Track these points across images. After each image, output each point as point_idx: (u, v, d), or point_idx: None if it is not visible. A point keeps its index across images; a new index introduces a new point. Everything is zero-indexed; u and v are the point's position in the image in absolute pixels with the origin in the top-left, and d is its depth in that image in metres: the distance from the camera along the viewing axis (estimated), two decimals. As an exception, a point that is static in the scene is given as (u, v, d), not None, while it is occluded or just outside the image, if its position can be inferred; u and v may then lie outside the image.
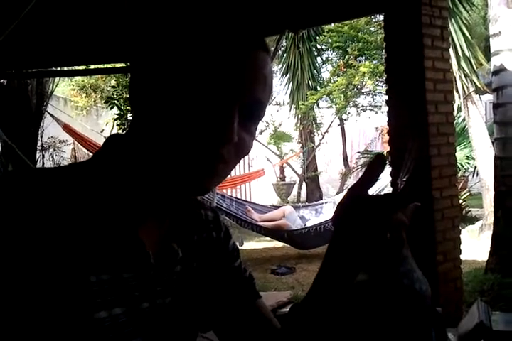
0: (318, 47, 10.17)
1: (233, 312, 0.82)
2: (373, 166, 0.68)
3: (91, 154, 5.40)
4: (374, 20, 8.98)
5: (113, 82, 7.31)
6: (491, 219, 5.97)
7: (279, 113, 10.54)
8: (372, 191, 5.45)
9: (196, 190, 0.66)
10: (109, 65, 6.53)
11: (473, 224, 7.59)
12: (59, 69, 6.11)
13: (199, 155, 0.63)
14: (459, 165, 7.23)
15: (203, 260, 0.78)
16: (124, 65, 5.66)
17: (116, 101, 6.10)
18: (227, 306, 0.82)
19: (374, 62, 8.56)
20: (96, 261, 0.62)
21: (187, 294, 0.74)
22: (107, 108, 6.19)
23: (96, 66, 6.37)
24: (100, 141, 7.23)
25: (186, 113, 0.63)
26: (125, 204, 0.66)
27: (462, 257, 3.73)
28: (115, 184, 0.67)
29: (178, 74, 0.63)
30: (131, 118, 5.31)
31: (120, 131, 6.33)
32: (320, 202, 7.58)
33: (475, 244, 6.34)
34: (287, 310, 1.02)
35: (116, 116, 6.14)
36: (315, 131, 10.37)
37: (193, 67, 0.62)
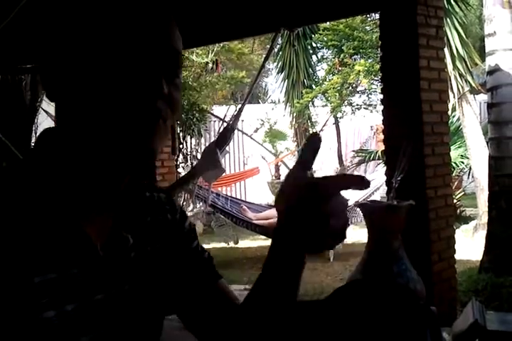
0: (314, 45, 10.16)
1: (195, 293, 0.81)
2: (310, 145, 0.65)
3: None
4: (370, 18, 8.98)
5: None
6: (485, 218, 5.99)
7: (274, 111, 10.54)
8: (368, 191, 5.41)
9: (143, 152, 0.65)
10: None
11: (468, 223, 7.62)
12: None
13: (137, 115, 0.63)
14: (454, 165, 7.25)
15: (159, 243, 0.77)
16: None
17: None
18: (189, 288, 0.81)
19: (369, 60, 8.56)
20: (41, 261, 0.60)
21: (146, 279, 0.73)
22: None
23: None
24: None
25: (113, 77, 0.62)
26: (65, 198, 0.65)
27: (456, 257, 3.74)
28: (53, 178, 0.65)
29: (98, 38, 0.63)
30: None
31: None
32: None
33: (469, 244, 6.35)
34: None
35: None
36: (310, 129, 10.37)
37: (110, 28, 0.63)
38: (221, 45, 7.90)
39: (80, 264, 0.64)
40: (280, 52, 10.19)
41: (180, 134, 6.30)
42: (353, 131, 12.17)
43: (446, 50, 4.64)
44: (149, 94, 0.64)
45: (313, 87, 9.67)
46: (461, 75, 6.92)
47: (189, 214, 6.79)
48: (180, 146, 6.23)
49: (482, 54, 6.63)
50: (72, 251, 0.64)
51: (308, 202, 0.61)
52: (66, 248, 0.63)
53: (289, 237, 0.66)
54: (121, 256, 0.70)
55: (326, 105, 9.84)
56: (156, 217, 0.78)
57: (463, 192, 8.55)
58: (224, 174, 5.58)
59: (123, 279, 0.69)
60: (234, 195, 8.87)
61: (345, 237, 0.62)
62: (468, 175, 8.36)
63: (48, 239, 0.62)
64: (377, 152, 8.68)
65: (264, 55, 12.23)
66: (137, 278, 0.72)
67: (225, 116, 9.27)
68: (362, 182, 0.59)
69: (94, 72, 0.63)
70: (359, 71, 8.21)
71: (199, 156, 6.80)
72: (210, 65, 7.87)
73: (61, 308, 0.61)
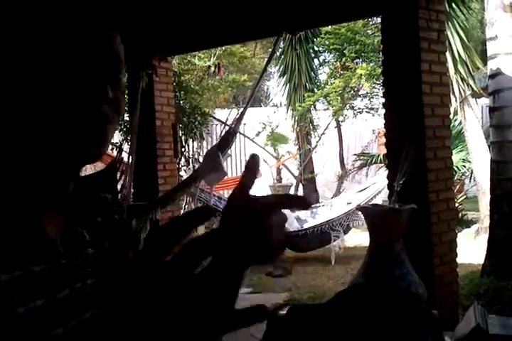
0: (316, 49, 10.17)
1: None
2: (250, 166, 0.67)
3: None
4: (371, 22, 8.99)
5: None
6: (486, 222, 5.98)
7: (275, 114, 10.54)
8: (370, 193, 5.39)
9: (91, 156, 0.68)
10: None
11: (469, 227, 7.61)
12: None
13: (84, 121, 0.65)
14: (455, 169, 7.25)
15: (110, 242, 0.79)
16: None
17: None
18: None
19: (371, 64, 8.57)
20: (5, 259, 0.62)
21: (109, 272, 0.75)
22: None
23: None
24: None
25: (58, 83, 0.64)
26: (20, 197, 0.67)
27: (458, 260, 3.73)
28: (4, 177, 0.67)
29: (41, 44, 0.64)
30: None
31: (117, 131, 6.32)
32: (317, 204, 7.57)
33: (471, 248, 6.35)
34: (284, 312, 1.02)
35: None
36: (312, 132, 10.37)
37: (52, 34, 0.64)
38: (223, 48, 7.92)
39: (43, 260, 0.66)
40: (282, 56, 10.20)
41: (183, 137, 6.30)
42: (355, 135, 12.16)
43: (447, 53, 4.65)
44: (94, 99, 0.65)
45: (315, 90, 9.67)
46: (462, 79, 6.92)
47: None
48: (182, 149, 6.23)
49: (484, 58, 6.64)
50: (34, 248, 0.65)
51: (248, 220, 0.62)
52: (28, 245, 0.64)
53: (231, 253, 0.66)
54: (79, 251, 0.72)
55: (327, 109, 9.84)
56: (105, 217, 0.81)
57: (465, 196, 8.54)
58: (226, 177, 5.58)
59: (85, 273, 0.71)
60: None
61: (283, 250, 0.63)
62: (470, 178, 8.36)
63: (10, 237, 0.63)
64: (378, 155, 8.68)
65: (266, 59, 12.24)
66: (101, 271, 0.74)
67: (227, 119, 9.28)
68: (303, 204, 0.60)
69: (38, 78, 0.64)
70: (361, 75, 8.22)
71: (201, 159, 6.81)
72: (212, 69, 7.88)
73: (31, 304, 0.62)
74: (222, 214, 0.66)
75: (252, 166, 0.66)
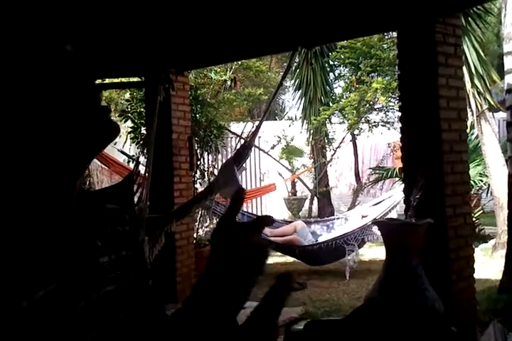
0: (331, 63, 10.20)
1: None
2: (234, 200, 0.79)
3: (104, 166, 5.35)
4: (387, 36, 9.02)
5: (127, 96, 7.38)
6: (504, 237, 5.91)
7: (291, 128, 10.57)
8: (385, 207, 5.35)
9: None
10: (124, 79, 6.60)
11: (487, 242, 7.51)
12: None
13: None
14: (472, 183, 7.18)
15: (121, 252, 0.81)
16: (139, 79, 5.72)
17: (130, 115, 6.15)
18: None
19: (387, 78, 8.57)
20: (39, 273, 0.64)
21: (131, 279, 0.78)
22: (121, 121, 6.23)
23: (111, 80, 6.45)
24: (113, 153, 7.29)
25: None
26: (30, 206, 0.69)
27: (475, 276, 3.69)
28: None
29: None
30: (145, 132, 5.29)
31: (134, 144, 6.37)
32: (331, 217, 7.54)
33: (488, 263, 6.26)
34: (299, 326, 1.02)
35: (130, 130, 6.19)
36: (327, 146, 10.37)
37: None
38: (239, 62, 7.97)
39: (60, 274, 0.67)
40: (297, 70, 10.25)
41: (198, 151, 6.34)
42: (370, 148, 12.14)
43: (464, 68, 4.64)
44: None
45: (331, 104, 9.69)
46: (479, 93, 6.89)
47: (206, 229, 6.80)
48: (198, 162, 6.27)
49: (500, 71, 6.61)
50: (55, 260, 0.67)
51: (232, 242, 0.76)
52: (52, 257, 0.66)
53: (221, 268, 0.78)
54: (93, 259, 0.73)
55: (343, 122, 9.84)
56: (114, 227, 0.83)
57: (482, 211, 8.45)
58: (241, 190, 5.58)
59: (107, 280, 0.73)
60: (251, 211, 8.87)
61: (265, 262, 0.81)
62: (487, 193, 8.27)
63: (42, 250, 0.65)
64: (394, 169, 8.64)
65: (281, 73, 12.29)
66: (123, 277, 0.76)
67: (242, 132, 9.32)
68: (268, 222, 0.78)
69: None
70: (376, 88, 8.22)
71: (216, 172, 6.83)
72: (229, 83, 7.93)
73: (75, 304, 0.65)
74: (212, 236, 0.78)
75: (237, 199, 0.79)
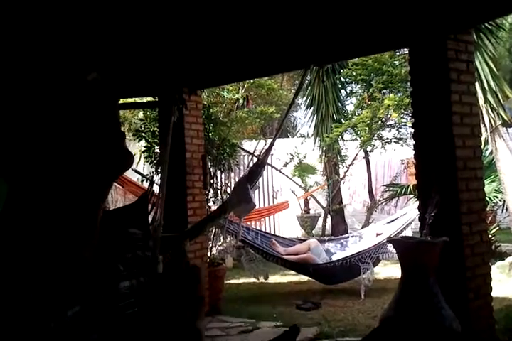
0: (343, 80, 10.24)
1: None
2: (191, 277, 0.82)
3: (118, 185, 5.36)
4: (398, 53, 9.05)
5: (141, 115, 7.45)
6: (521, 254, 5.83)
7: (303, 145, 10.58)
8: (400, 224, 5.29)
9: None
10: (137, 99, 6.68)
11: (503, 259, 7.40)
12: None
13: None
14: (487, 199, 7.11)
15: (141, 277, 0.82)
16: (152, 99, 5.77)
17: (144, 134, 6.20)
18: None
19: (399, 94, 8.57)
20: (67, 294, 0.65)
21: (150, 304, 0.78)
22: (134, 140, 6.28)
23: (125, 100, 6.52)
24: (127, 172, 7.32)
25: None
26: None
27: (492, 294, 3.63)
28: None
29: None
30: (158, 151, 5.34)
31: (147, 163, 6.41)
32: (345, 235, 7.48)
33: (505, 281, 6.17)
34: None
35: (144, 149, 6.23)
36: (339, 163, 10.35)
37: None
38: (251, 81, 8.03)
39: (84, 296, 0.68)
40: (309, 87, 10.29)
41: (211, 169, 6.36)
42: (383, 165, 12.09)
43: (476, 83, 4.63)
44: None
45: (343, 121, 9.69)
46: (492, 109, 6.87)
47: (219, 248, 6.78)
48: (211, 181, 6.28)
49: (513, 87, 6.59)
50: (80, 282, 0.68)
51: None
52: (77, 279, 0.67)
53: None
54: (114, 283, 0.74)
55: (355, 139, 9.83)
56: (133, 252, 0.83)
57: (497, 227, 8.35)
58: (254, 208, 5.58)
59: (128, 304, 0.74)
60: (264, 229, 8.84)
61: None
62: (502, 209, 8.18)
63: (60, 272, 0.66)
64: (408, 186, 8.58)
65: (293, 91, 12.34)
66: (142, 303, 0.77)
67: (255, 150, 9.34)
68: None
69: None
70: (388, 105, 8.22)
71: (229, 190, 6.83)
72: (241, 101, 7.98)
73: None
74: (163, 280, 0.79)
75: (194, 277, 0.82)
